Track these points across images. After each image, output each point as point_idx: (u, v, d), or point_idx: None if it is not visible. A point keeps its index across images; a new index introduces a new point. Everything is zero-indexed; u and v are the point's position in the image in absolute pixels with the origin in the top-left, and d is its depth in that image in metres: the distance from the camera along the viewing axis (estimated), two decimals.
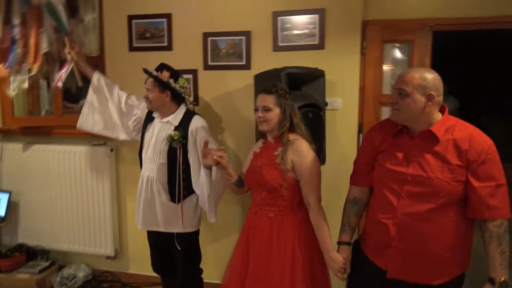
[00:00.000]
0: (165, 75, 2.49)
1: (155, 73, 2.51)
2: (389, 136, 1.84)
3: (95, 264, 3.46)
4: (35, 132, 3.44)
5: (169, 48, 3.07)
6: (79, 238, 3.38)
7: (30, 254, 3.41)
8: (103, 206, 3.28)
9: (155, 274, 2.84)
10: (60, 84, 2.75)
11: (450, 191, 1.66)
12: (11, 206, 3.44)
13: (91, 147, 3.28)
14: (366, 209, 1.97)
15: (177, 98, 2.56)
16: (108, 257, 3.38)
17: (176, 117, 2.53)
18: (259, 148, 2.20)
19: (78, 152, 3.29)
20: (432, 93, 1.68)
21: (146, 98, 2.52)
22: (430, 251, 1.70)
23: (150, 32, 3.10)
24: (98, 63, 3.22)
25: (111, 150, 3.26)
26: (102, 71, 3.21)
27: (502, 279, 1.65)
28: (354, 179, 1.99)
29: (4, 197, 3.40)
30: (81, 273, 3.34)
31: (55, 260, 3.45)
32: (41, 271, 3.26)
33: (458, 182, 1.66)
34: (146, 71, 2.53)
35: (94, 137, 3.29)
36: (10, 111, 3.37)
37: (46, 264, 3.35)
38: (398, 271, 1.76)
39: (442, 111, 1.77)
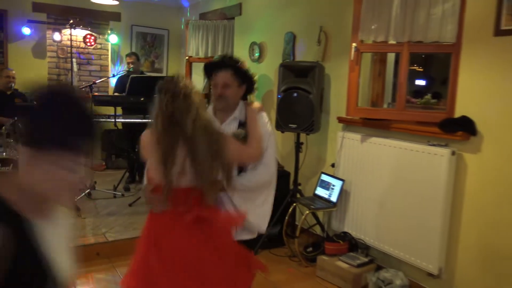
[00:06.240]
0: (245, 65, 2.12)
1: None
2: None
3: (414, 277, 3.10)
4: (375, 124, 3.38)
5: None
6: (401, 243, 3.11)
7: (352, 245, 3.41)
8: (433, 216, 2.87)
9: None
10: None
11: None
12: (343, 194, 3.53)
13: (429, 147, 2.92)
14: None
15: (249, 92, 2.21)
16: (429, 274, 2.96)
17: (241, 112, 2.14)
18: None
19: (414, 150, 3.00)
20: None
21: (221, 96, 2.07)
22: None
23: None
24: (452, 51, 2.81)
25: (453, 153, 2.80)
26: (456, 61, 2.78)
27: None
28: None
29: (338, 184, 3.53)
30: (398, 281, 3.05)
31: (374, 258, 3.32)
32: (359, 266, 3.20)
33: None
34: (226, 60, 2.12)
35: (434, 136, 2.93)
36: (354, 102, 3.42)
37: (365, 260, 3.26)
38: None
39: None
